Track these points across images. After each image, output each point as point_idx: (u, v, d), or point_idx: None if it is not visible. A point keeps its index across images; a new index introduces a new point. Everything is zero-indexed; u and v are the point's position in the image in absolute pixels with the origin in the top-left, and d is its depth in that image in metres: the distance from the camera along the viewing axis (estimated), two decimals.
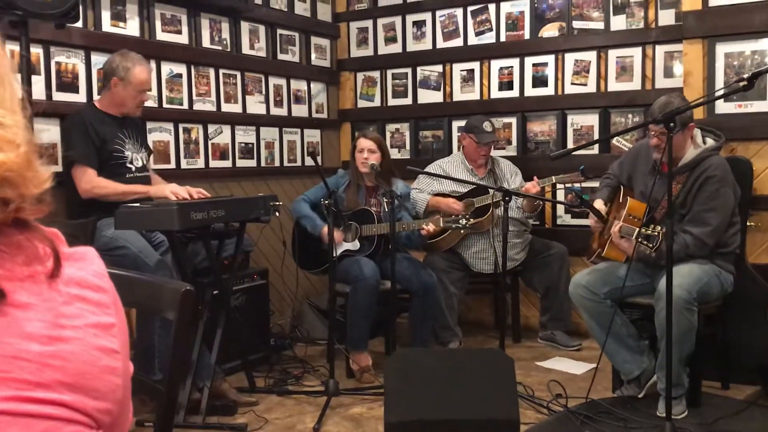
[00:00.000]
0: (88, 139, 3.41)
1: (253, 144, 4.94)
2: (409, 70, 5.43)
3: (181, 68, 4.39)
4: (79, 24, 3.59)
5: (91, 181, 3.40)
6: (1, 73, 0.83)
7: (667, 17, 4.46)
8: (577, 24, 4.77)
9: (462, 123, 5.00)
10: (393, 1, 5.44)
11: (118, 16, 4.01)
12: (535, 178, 4.25)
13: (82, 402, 0.77)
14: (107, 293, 0.85)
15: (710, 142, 3.40)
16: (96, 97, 3.76)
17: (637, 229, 3.24)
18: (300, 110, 5.34)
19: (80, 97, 3.80)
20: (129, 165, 3.56)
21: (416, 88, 5.41)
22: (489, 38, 5.08)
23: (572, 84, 4.81)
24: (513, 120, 5.01)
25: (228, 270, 3.69)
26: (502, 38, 5.04)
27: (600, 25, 4.70)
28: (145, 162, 3.68)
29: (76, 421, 0.77)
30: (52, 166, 3.62)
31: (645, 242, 3.17)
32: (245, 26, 4.84)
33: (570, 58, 4.80)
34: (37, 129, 3.48)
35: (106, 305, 0.84)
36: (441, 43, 5.28)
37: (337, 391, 3.58)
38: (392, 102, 5.53)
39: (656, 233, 3.13)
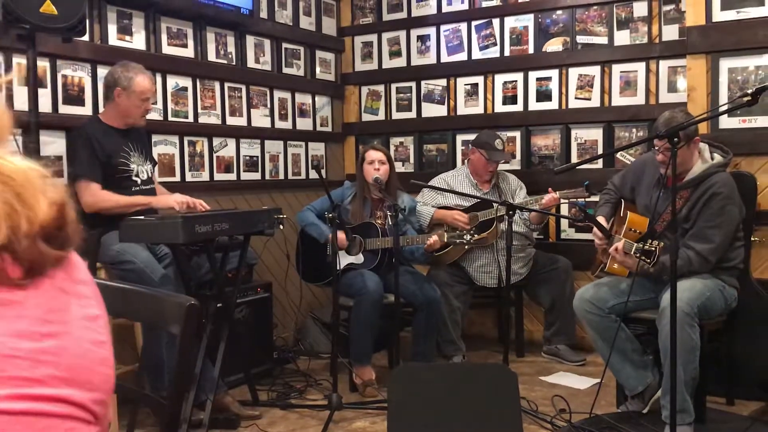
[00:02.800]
0: (93, 154, 3.42)
1: (257, 157, 4.95)
2: (413, 84, 5.45)
3: (186, 81, 4.42)
4: (86, 38, 3.62)
5: (94, 195, 3.41)
6: None
7: (670, 32, 4.48)
8: (581, 39, 4.79)
9: (466, 137, 5.02)
10: (397, 16, 5.47)
11: (125, 30, 4.04)
12: (549, 189, 4.24)
13: (79, 396, 0.78)
14: (89, 285, 0.86)
15: (718, 157, 3.39)
16: (101, 110, 3.78)
17: (635, 244, 3.23)
18: (305, 123, 5.36)
19: (86, 110, 3.82)
20: (134, 178, 3.58)
21: (420, 101, 5.43)
22: (493, 52, 5.10)
23: (576, 98, 4.82)
24: (517, 134, 5.02)
25: (232, 283, 3.69)
26: (506, 53, 5.06)
27: (604, 40, 4.71)
28: (150, 174, 3.70)
29: (74, 417, 0.78)
30: (58, 179, 3.64)
31: (643, 257, 3.16)
32: (250, 40, 4.86)
33: (574, 72, 4.82)
34: (44, 141, 3.50)
35: (89, 297, 0.85)
36: (445, 58, 5.30)
37: (340, 405, 3.57)
38: (396, 115, 5.54)
39: (653, 248, 3.12)
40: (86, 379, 0.80)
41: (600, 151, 4.71)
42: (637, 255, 3.18)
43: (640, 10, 4.58)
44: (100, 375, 0.82)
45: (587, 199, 4.32)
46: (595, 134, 4.77)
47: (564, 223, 4.87)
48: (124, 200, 3.44)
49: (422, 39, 5.38)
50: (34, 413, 0.74)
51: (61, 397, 0.77)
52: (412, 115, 5.47)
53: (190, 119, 4.46)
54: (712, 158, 3.39)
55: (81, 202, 3.42)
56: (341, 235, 3.97)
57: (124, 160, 3.54)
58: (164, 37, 4.27)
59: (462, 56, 5.23)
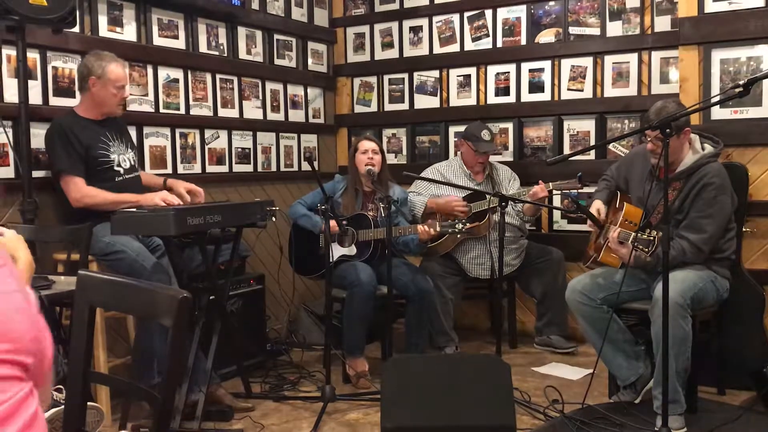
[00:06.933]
0: (71, 148, 3.39)
1: (249, 149, 4.94)
2: (405, 76, 5.44)
3: (177, 73, 4.39)
4: (76, 29, 3.60)
5: (80, 191, 3.39)
6: None
7: (663, 23, 4.48)
8: (573, 30, 4.79)
9: (458, 128, 5.01)
10: (390, 7, 5.45)
11: (115, 21, 4.01)
12: (540, 182, 4.24)
13: (10, 354, 0.75)
14: None
15: (709, 148, 3.40)
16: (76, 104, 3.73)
17: (633, 233, 3.24)
18: (297, 115, 5.34)
19: (77, 102, 3.79)
20: (117, 168, 3.55)
21: (413, 93, 5.42)
22: (486, 44, 5.09)
23: (568, 90, 4.82)
24: (509, 125, 5.02)
25: (224, 275, 3.68)
26: (499, 44, 5.05)
27: (596, 31, 4.71)
28: (133, 162, 3.67)
29: (13, 378, 0.74)
30: (48, 170, 3.61)
31: (641, 247, 3.17)
32: (242, 31, 4.84)
33: (566, 63, 4.82)
34: (34, 134, 3.48)
35: None
36: (437, 49, 5.29)
37: (333, 397, 3.57)
38: (389, 107, 5.53)
39: (652, 237, 3.13)
40: (8, 330, 0.76)
41: (592, 142, 4.72)
42: (635, 244, 3.19)
43: (632, 1, 4.57)
44: (19, 322, 0.78)
45: (580, 190, 4.32)
46: (588, 125, 4.77)
47: (556, 214, 4.88)
48: (111, 197, 3.42)
49: (414, 30, 5.37)
50: None
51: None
52: (405, 106, 5.46)
53: (182, 111, 4.44)
54: (703, 149, 3.40)
55: (69, 199, 3.40)
56: (332, 222, 3.95)
57: (104, 151, 3.51)
58: (155, 29, 4.25)
59: (454, 47, 5.22)
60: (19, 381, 0.78)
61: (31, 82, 3.47)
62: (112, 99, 3.51)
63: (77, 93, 3.73)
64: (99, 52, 3.53)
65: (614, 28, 4.64)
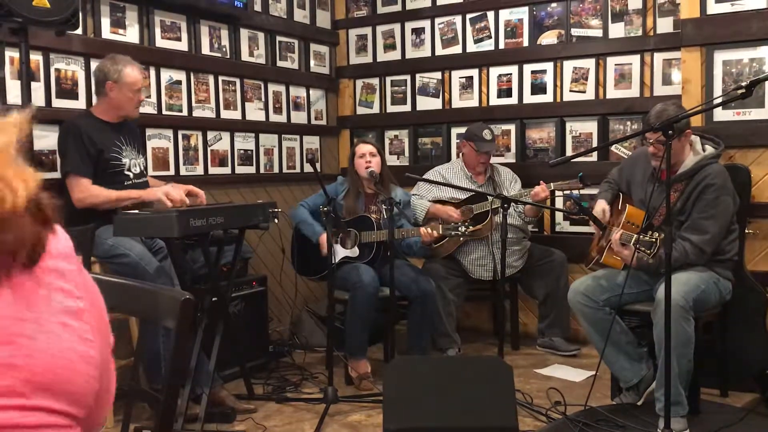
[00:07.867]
0: (83, 149, 3.40)
1: (252, 151, 4.94)
2: (408, 77, 5.44)
3: (180, 75, 4.40)
4: (79, 31, 3.60)
5: (83, 191, 3.39)
6: None
7: (665, 25, 4.48)
8: (575, 31, 4.78)
9: (461, 130, 5.01)
10: (392, 9, 5.45)
11: (118, 23, 4.02)
12: (541, 182, 4.25)
13: (55, 402, 0.71)
14: (72, 273, 0.77)
15: (709, 149, 3.40)
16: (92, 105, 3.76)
17: (635, 235, 3.24)
18: (299, 117, 5.35)
19: (80, 104, 3.80)
20: (127, 172, 3.56)
21: (415, 95, 5.42)
22: (488, 45, 5.10)
23: (571, 91, 4.82)
24: (512, 127, 5.02)
25: (227, 277, 3.69)
26: (501, 45, 5.05)
27: (598, 33, 4.71)
28: (143, 168, 3.68)
29: (49, 425, 0.71)
30: (52, 173, 3.62)
31: (643, 249, 3.17)
32: (244, 33, 4.85)
33: (568, 65, 4.81)
34: (37, 135, 3.49)
35: (70, 288, 0.76)
36: (440, 50, 5.29)
37: (335, 399, 3.57)
38: (391, 109, 5.53)
39: (654, 239, 3.13)
40: (65, 380, 0.72)
41: (595, 143, 4.71)
42: (637, 246, 3.19)
43: (634, 2, 4.57)
44: (81, 375, 0.74)
45: (582, 191, 4.32)
46: (590, 127, 4.77)
47: (559, 216, 4.88)
48: (114, 195, 3.42)
49: (417, 32, 5.37)
50: (2, 426, 0.67)
51: (35, 406, 0.69)
52: (407, 108, 5.46)
53: (185, 113, 4.44)
54: (704, 150, 3.40)
55: (72, 198, 3.41)
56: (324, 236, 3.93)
57: (116, 154, 3.52)
58: (158, 31, 4.25)
59: (457, 49, 5.22)
60: (68, 429, 0.73)
61: (33, 84, 3.47)
62: (129, 102, 3.52)
63: (80, 95, 3.75)
64: (114, 55, 3.54)
65: (616, 30, 4.64)
